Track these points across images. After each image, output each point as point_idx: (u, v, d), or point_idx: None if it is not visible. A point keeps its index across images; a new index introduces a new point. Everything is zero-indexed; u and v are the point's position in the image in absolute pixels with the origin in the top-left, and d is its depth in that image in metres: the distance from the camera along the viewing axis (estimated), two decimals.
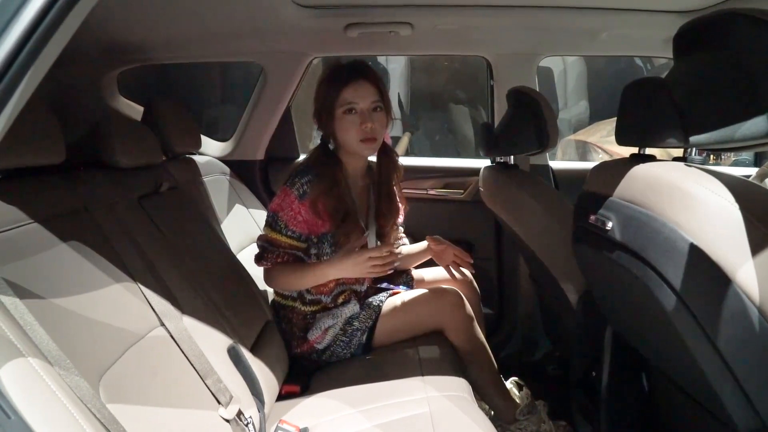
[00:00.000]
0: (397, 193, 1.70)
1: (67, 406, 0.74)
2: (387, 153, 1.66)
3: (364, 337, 1.56)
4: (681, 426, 1.15)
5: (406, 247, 1.82)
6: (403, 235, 1.84)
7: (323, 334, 1.55)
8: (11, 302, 0.79)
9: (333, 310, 1.57)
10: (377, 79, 1.54)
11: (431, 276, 1.84)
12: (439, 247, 1.70)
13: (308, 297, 1.59)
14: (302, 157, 2.45)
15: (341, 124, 1.51)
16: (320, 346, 1.56)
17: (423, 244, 1.77)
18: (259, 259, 1.56)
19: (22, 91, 0.61)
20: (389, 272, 1.50)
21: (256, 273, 1.70)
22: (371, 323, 1.56)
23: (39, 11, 0.59)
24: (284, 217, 1.50)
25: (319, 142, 1.61)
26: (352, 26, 1.86)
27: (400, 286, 1.74)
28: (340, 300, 1.59)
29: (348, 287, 1.62)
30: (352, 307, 1.57)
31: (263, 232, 1.57)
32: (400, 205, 1.73)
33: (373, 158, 1.65)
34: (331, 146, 1.59)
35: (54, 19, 0.60)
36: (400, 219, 1.76)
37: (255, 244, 2.00)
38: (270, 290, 1.80)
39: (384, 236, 1.68)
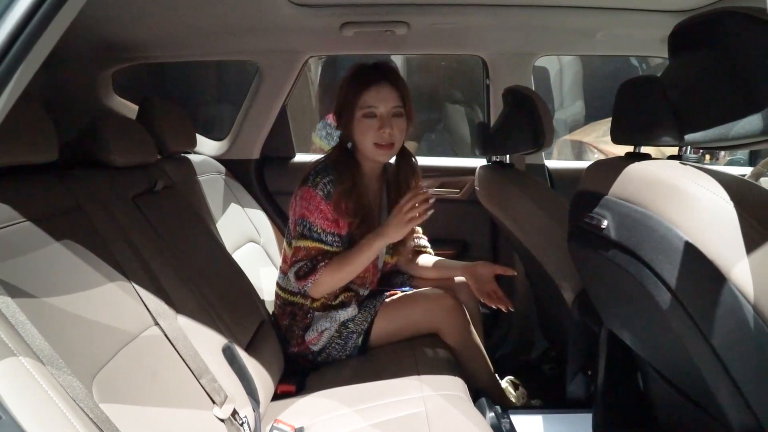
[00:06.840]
0: None
1: (59, 405, 0.74)
2: (405, 157, 1.64)
3: (360, 339, 1.55)
4: (676, 424, 1.15)
5: (445, 261, 1.79)
6: (422, 235, 1.83)
7: (319, 336, 1.54)
8: (3, 301, 0.78)
9: (331, 312, 1.55)
10: (401, 83, 1.52)
11: None
12: (484, 270, 1.66)
13: None
14: (299, 156, 2.46)
15: (359, 127, 1.50)
16: (315, 348, 1.55)
17: (459, 263, 1.75)
18: (304, 277, 1.47)
19: (12, 87, 0.60)
20: (429, 214, 1.46)
21: (252, 272, 1.69)
22: (367, 326, 1.56)
23: (30, 6, 0.58)
24: (317, 221, 1.46)
25: (313, 142, 1.60)
26: (348, 25, 1.85)
27: (399, 288, 1.73)
28: (341, 299, 1.57)
29: (354, 289, 1.60)
30: (350, 311, 1.55)
31: (299, 245, 1.49)
32: None
33: (391, 160, 1.62)
34: (349, 146, 1.57)
35: (45, 14, 0.59)
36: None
37: (250, 244, 2.02)
38: (266, 290, 1.79)
39: (399, 241, 1.62)
